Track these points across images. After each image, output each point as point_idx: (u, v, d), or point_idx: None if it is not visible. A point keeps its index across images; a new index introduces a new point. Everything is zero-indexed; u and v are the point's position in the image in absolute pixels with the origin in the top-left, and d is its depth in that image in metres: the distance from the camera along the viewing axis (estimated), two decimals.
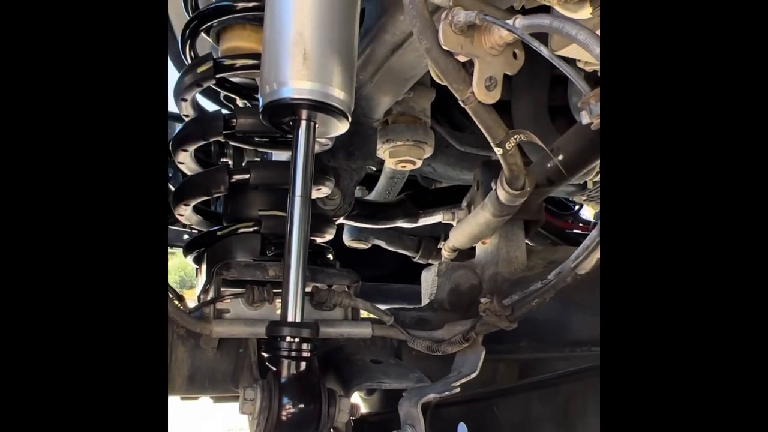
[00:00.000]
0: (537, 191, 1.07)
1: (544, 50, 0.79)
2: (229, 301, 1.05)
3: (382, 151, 1.41)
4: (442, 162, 1.54)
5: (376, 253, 2.02)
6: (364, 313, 1.14)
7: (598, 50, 0.74)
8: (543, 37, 0.86)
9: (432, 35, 0.82)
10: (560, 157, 0.98)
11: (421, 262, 1.97)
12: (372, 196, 1.71)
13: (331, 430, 0.99)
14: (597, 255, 0.86)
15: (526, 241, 1.36)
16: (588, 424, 0.71)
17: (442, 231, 1.77)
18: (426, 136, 1.39)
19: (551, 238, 1.67)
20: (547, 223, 1.71)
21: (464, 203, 1.30)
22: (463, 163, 1.55)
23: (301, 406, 0.92)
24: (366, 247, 1.96)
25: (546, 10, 1.02)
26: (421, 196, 1.74)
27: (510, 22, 0.78)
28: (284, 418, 0.91)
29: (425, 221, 1.74)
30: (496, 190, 1.04)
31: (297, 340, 0.93)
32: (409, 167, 1.48)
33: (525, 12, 1.09)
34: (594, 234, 0.84)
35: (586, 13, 0.94)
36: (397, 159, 1.42)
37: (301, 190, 0.94)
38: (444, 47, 0.82)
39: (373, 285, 2.28)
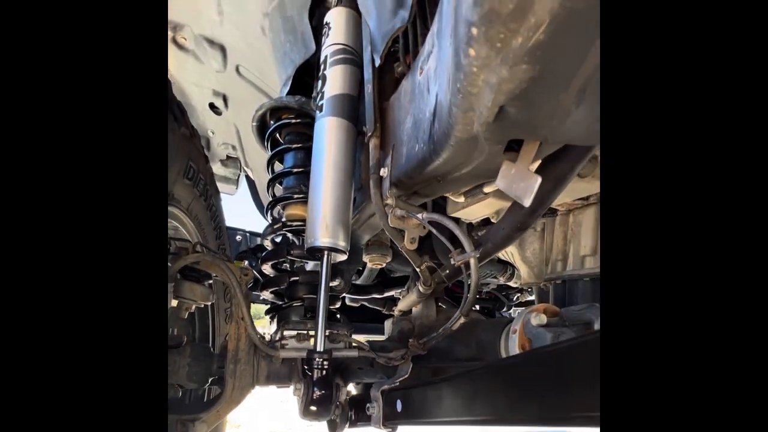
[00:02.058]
0: (438, 285, 1.14)
1: (431, 228, 0.84)
2: (287, 340, 1.08)
3: (366, 258, 1.46)
4: (395, 262, 1.57)
5: (363, 308, 2.02)
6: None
7: (452, 225, 0.79)
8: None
9: (385, 220, 0.88)
10: (447, 272, 1.06)
11: (385, 313, 1.97)
12: (359, 281, 1.72)
13: (338, 403, 1.02)
14: (461, 321, 0.91)
15: (440, 304, 1.44)
16: (452, 404, 0.71)
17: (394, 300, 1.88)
18: (387, 251, 1.46)
19: (453, 303, 1.64)
20: (453, 296, 1.80)
21: (405, 287, 1.42)
22: (407, 264, 1.56)
23: (323, 391, 0.97)
24: (357, 305, 1.98)
25: (444, 198, 1.20)
26: (385, 282, 1.77)
27: (419, 215, 0.84)
28: (314, 397, 0.96)
29: (387, 294, 1.79)
30: (418, 286, 1.13)
31: (321, 359, 0.98)
32: (379, 266, 1.53)
33: (437, 201, 1.23)
34: (457, 313, 0.90)
35: (461, 198, 1.11)
36: (373, 262, 1.48)
37: (325, 285, 1.00)
38: (390, 225, 0.88)
39: (361, 324, 2.23)
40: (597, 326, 0.78)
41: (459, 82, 0.40)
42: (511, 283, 1.79)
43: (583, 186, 0.86)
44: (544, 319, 0.88)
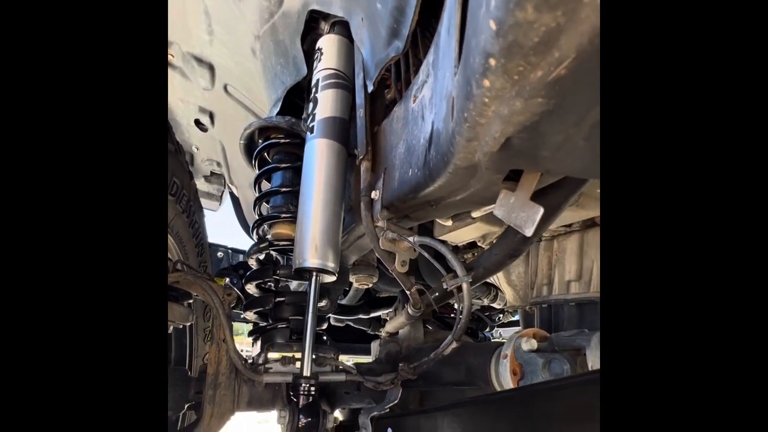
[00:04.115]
0: (427, 308, 1.09)
1: (422, 251, 0.85)
2: (271, 364, 1.04)
3: (352, 278, 1.43)
4: (382, 283, 1.55)
5: (348, 327, 1.97)
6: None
7: (444, 250, 0.81)
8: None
9: (376, 242, 0.88)
10: (436, 294, 1.03)
11: (370, 333, 1.94)
12: (344, 301, 1.69)
13: (325, 430, 0.98)
14: (453, 345, 0.89)
15: (428, 326, 1.46)
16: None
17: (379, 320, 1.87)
18: (374, 271, 1.43)
19: (440, 325, 1.65)
20: (440, 317, 1.78)
21: (393, 309, 1.41)
22: (392, 284, 1.57)
23: (309, 419, 0.94)
24: (342, 325, 1.93)
25: (431, 221, 1.19)
26: (372, 302, 1.73)
27: (410, 238, 0.85)
28: (300, 425, 0.93)
29: (373, 314, 1.74)
30: (407, 308, 1.07)
31: (307, 385, 0.95)
32: (365, 286, 1.50)
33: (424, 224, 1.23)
34: (450, 338, 0.89)
35: (449, 222, 1.11)
36: (359, 282, 1.45)
37: (312, 307, 0.98)
38: (381, 248, 0.89)
39: (346, 344, 2.25)
40: (587, 353, 0.78)
41: (467, 111, 0.40)
42: (495, 305, 1.79)
43: (567, 214, 0.88)
44: (534, 344, 0.88)
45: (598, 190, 0.86)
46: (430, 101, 0.67)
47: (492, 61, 0.34)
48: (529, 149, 0.42)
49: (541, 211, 0.48)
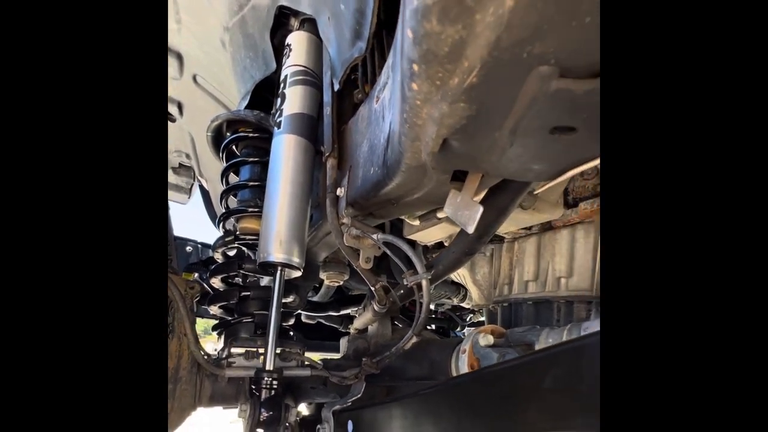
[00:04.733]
0: (393, 305, 1.13)
1: (385, 249, 0.87)
2: (234, 358, 1.06)
3: (323, 275, 1.46)
4: (353, 280, 1.58)
5: (320, 325, 1.99)
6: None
7: (405, 248, 0.82)
8: None
9: (340, 238, 0.90)
10: (401, 291, 1.07)
11: (343, 330, 1.98)
12: (316, 298, 1.71)
13: (287, 424, 1.01)
14: (413, 340, 0.93)
15: (396, 323, 1.49)
16: (402, 424, 0.73)
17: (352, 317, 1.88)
18: (345, 269, 1.47)
19: (409, 322, 1.66)
20: (409, 315, 1.83)
21: (362, 306, 1.43)
22: (364, 282, 1.59)
23: (271, 413, 0.95)
24: (313, 322, 1.95)
25: (401, 221, 1.23)
26: (342, 300, 1.76)
27: (374, 236, 0.87)
28: (261, 419, 0.94)
29: (344, 312, 1.79)
30: (373, 305, 1.14)
31: (269, 379, 0.97)
32: (336, 283, 1.54)
33: (395, 223, 1.26)
34: (410, 333, 0.91)
35: (417, 222, 1.10)
36: (330, 279, 1.49)
37: (277, 301, 0.99)
38: (346, 244, 0.91)
39: (318, 342, 2.20)
40: (537, 347, 0.83)
41: (405, 112, 0.43)
42: (464, 304, 1.85)
43: (526, 217, 0.92)
44: (491, 339, 0.92)
45: (552, 194, 0.91)
46: (389, 102, 0.71)
47: (415, 67, 0.38)
48: (465, 151, 0.46)
49: (481, 209, 0.52)
